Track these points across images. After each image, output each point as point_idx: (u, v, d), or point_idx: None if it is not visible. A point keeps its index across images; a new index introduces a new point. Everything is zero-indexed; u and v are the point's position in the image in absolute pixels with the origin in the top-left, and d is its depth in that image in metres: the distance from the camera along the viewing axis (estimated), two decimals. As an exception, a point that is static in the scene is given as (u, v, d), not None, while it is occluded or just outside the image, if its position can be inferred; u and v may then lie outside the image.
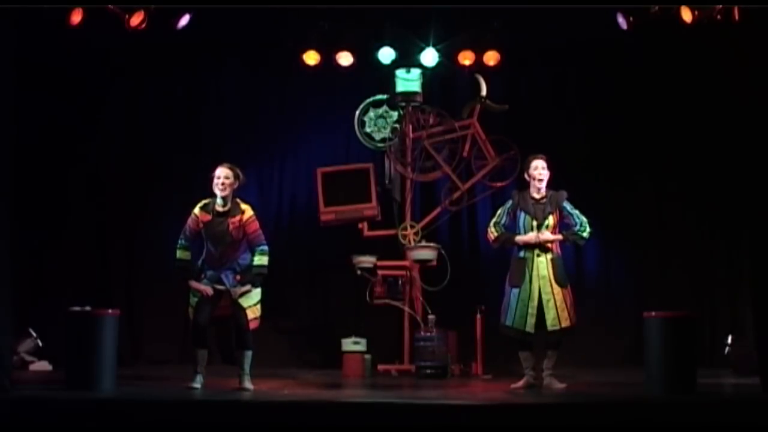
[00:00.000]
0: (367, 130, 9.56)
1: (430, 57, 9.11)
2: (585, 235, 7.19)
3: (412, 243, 8.90)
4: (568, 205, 7.21)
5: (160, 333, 9.48)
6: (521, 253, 7.10)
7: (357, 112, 9.52)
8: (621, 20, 8.62)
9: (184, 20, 8.70)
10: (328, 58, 9.35)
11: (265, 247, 6.95)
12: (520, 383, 7.16)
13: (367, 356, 8.61)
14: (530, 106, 9.85)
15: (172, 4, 8.59)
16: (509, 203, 7.25)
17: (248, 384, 6.90)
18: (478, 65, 9.35)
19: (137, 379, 7.56)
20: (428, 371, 8.31)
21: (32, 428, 5.76)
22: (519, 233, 7.12)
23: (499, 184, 9.11)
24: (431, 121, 9.15)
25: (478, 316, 8.56)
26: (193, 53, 9.55)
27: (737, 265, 9.12)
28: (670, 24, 8.45)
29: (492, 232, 7.24)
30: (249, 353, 6.95)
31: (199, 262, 7.04)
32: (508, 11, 8.65)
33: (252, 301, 6.94)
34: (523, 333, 7.04)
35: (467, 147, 9.07)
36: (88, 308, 6.78)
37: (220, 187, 6.91)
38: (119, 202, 9.64)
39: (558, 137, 9.72)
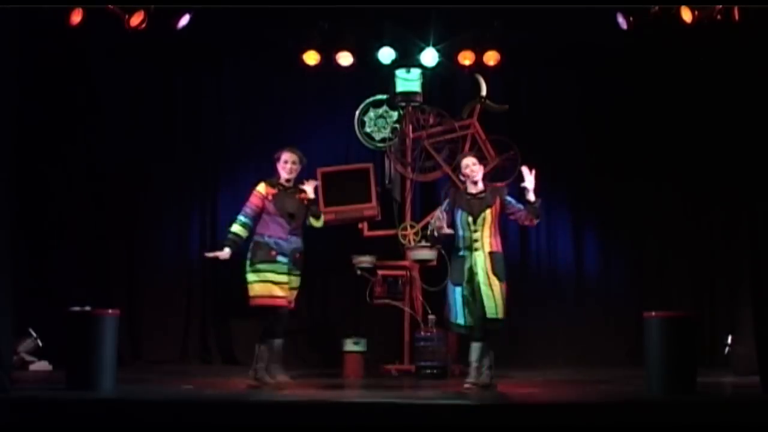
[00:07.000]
0: (367, 130, 9.56)
1: (430, 57, 9.10)
2: (535, 215, 7.08)
3: (412, 243, 8.89)
4: (512, 200, 7.14)
5: (160, 333, 9.49)
6: (460, 252, 7.04)
7: (357, 112, 9.51)
8: (621, 20, 8.61)
9: (184, 20, 8.69)
10: (328, 58, 9.34)
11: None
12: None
13: (368, 356, 8.61)
14: (530, 106, 9.86)
15: (172, 4, 8.59)
16: (445, 203, 7.20)
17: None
18: (478, 65, 9.34)
19: (137, 379, 7.56)
20: (428, 371, 8.31)
21: (32, 428, 5.76)
22: (458, 231, 7.05)
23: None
24: (431, 121, 9.15)
25: (478, 316, 8.55)
26: (193, 53, 9.55)
27: (737, 265, 9.12)
28: (670, 24, 8.45)
29: (429, 230, 7.33)
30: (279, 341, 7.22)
31: (265, 238, 7.09)
32: (508, 11, 8.65)
33: (296, 284, 7.23)
34: (459, 326, 7.01)
35: (467, 147, 9.06)
36: (88, 308, 6.78)
37: (288, 170, 7.25)
38: (119, 202, 9.63)
39: (558, 137, 9.75)
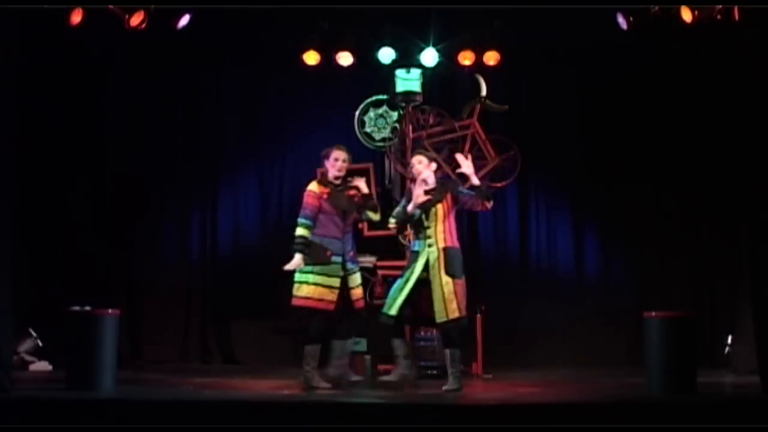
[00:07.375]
0: (367, 130, 9.57)
1: (430, 57, 9.10)
2: (485, 197, 7.07)
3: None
4: (463, 189, 7.20)
5: (160, 333, 9.49)
6: (415, 246, 7.10)
7: (357, 112, 9.52)
8: (621, 20, 8.61)
9: (184, 20, 8.69)
10: (328, 58, 9.33)
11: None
12: (391, 375, 7.16)
13: (367, 356, 8.60)
14: (530, 106, 9.86)
15: (172, 4, 8.59)
16: (403, 200, 7.23)
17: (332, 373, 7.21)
18: (478, 65, 9.33)
19: (137, 379, 7.56)
20: (428, 371, 8.31)
21: (32, 428, 5.76)
22: (413, 228, 7.14)
23: (499, 184, 9.09)
24: (431, 121, 9.15)
25: (478, 316, 8.55)
26: (193, 53, 9.55)
27: (737, 265, 9.11)
28: (670, 24, 8.45)
29: (390, 224, 7.30)
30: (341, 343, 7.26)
31: (320, 239, 7.08)
32: (508, 11, 8.64)
33: (358, 281, 7.24)
34: (387, 316, 7.03)
35: (467, 147, 9.06)
36: (88, 308, 6.78)
37: (338, 167, 7.21)
38: (119, 202, 9.64)
39: (558, 137, 9.75)
